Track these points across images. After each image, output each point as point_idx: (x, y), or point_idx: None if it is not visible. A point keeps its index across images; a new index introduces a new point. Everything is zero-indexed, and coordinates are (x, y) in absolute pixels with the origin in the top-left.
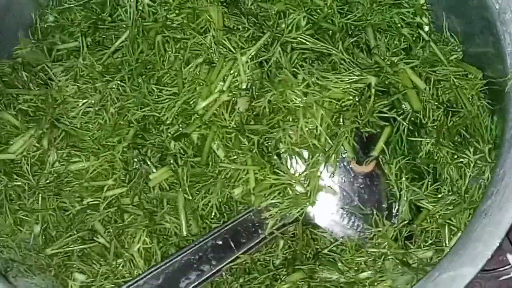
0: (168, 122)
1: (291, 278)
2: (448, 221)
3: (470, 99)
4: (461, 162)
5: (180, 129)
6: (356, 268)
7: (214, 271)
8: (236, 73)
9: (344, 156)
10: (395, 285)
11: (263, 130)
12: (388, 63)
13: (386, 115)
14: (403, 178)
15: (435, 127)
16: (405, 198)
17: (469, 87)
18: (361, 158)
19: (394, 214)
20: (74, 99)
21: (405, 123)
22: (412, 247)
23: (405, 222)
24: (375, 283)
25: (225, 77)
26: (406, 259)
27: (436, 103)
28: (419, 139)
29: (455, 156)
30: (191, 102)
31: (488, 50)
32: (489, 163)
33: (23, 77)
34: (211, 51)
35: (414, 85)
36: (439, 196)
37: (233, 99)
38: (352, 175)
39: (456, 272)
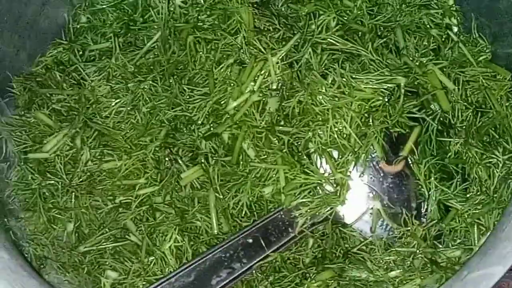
0: (199, 122)
1: (321, 277)
2: (477, 220)
3: (498, 100)
4: (490, 162)
5: (211, 129)
6: (385, 267)
7: (244, 269)
8: (266, 74)
9: (373, 156)
10: (424, 284)
11: (293, 130)
12: (417, 64)
13: (415, 115)
14: (432, 178)
15: (464, 127)
16: (434, 198)
17: (497, 87)
18: (390, 158)
19: (423, 213)
20: (107, 99)
21: (434, 124)
22: (440, 246)
23: (434, 222)
24: (404, 282)
25: (256, 78)
26: (435, 258)
27: (465, 104)
28: (448, 139)
29: (484, 156)
30: (222, 102)
31: None
32: None
33: (57, 77)
34: (242, 51)
35: (443, 85)
36: (468, 195)
37: (264, 99)
38: (382, 174)
39: (484, 271)
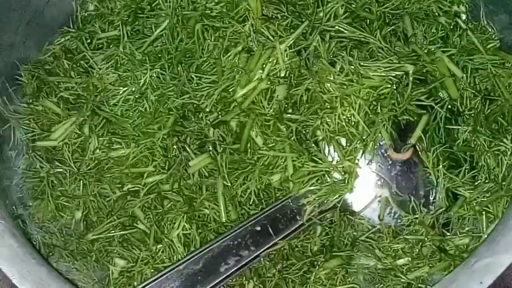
0: (207, 110)
1: (329, 265)
2: (485, 208)
3: (507, 87)
4: (499, 149)
5: (219, 116)
6: (393, 255)
7: (252, 256)
8: (274, 62)
9: (381, 143)
10: (432, 271)
11: (301, 118)
12: (426, 51)
13: (423, 103)
14: (440, 166)
15: (472, 115)
16: (442, 186)
17: (506, 75)
18: (398, 146)
19: (431, 201)
20: (115, 87)
21: (442, 111)
22: (449, 234)
23: (442, 209)
24: (412, 270)
25: (264, 65)
26: (443, 246)
27: (473, 91)
28: (456, 127)
29: (492, 144)
30: (230, 90)
31: None
32: None
33: (65, 65)
34: (250, 39)
35: (451, 73)
36: (476, 183)
37: (272, 87)
38: (390, 162)
39: (493, 259)
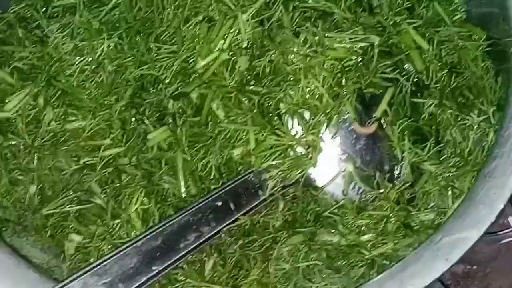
0: (166, 81)
1: (292, 241)
2: (451, 183)
3: (474, 60)
4: (465, 124)
5: (179, 88)
6: (357, 231)
7: (213, 232)
8: (236, 32)
9: (346, 117)
10: (397, 247)
11: (264, 90)
12: (391, 23)
13: (389, 75)
14: (406, 140)
15: (438, 88)
16: (407, 160)
17: (473, 48)
18: (363, 120)
19: (396, 176)
20: (71, 56)
21: (408, 84)
22: (414, 210)
23: (407, 184)
24: (377, 246)
25: (226, 36)
26: (408, 222)
27: (440, 64)
28: (422, 100)
29: (459, 118)
30: (191, 61)
31: (493, 10)
32: (493, 125)
33: (19, 34)
34: (211, 8)
35: (417, 45)
36: (442, 158)
37: (234, 58)
38: (354, 136)
39: (459, 235)
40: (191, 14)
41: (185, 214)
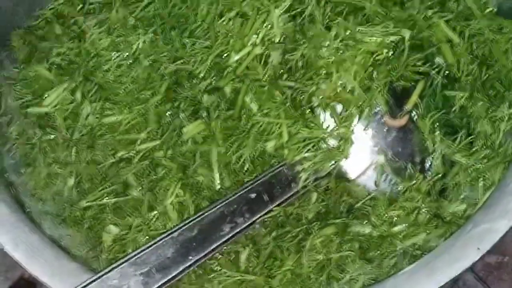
0: (201, 76)
1: (324, 232)
2: (481, 175)
3: (504, 53)
4: (495, 116)
5: (213, 83)
6: (389, 222)
7: (247, 223)
8: (269, 26)
9: (377, 110)
10: (428, 238)
11: (297, 85)
12: (422, 16)
13: (419, 69)
14: (437, 132)
15: (469, 81)
16: (438, 152)
17: (503, 41)
18: (394, 112)
19: (427, 168)
20: (107, 52)
21: (439, 77)
22: (445, 201)
23: (438, 176)
24: (409, 237)
25: (259, 30)
26: (439, 213)
27: (470, 57)
28: (453, 93)
29: (489, 110)
30: (224, 56)
31: None
32: None
33: (56, 31)
34: (244, 4)
35: (448, 39)
36: (473, 150)
37: (266, 52)
38: (386, 129)
39: (489, 225)
40: (224, 10)
41: (220, 205)
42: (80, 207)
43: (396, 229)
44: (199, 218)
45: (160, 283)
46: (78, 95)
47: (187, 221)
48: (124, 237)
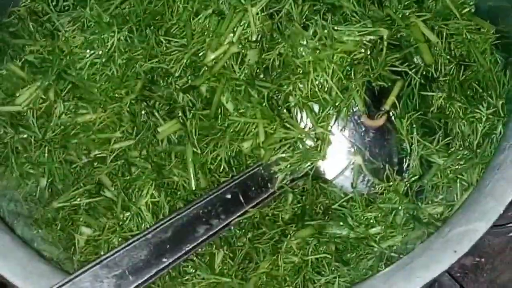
0: (176, 74)
1: (301, 234)
2: (459, 176)
3: (482, 54)
4: (473, 117)
5: (189, 81)
6: (366, 224)
7: (223, 225)
8: (246, 25)
9: (355, 110)
10: (406, 240)
11: (273, 85)
12: (400, 16)
13: (398, 69)
14: (414, 133)
15: (447, 81)
16: (416, 153)
17: (481, 41)
18: (372, 112)
19: (404, 169)
20: (81, 50)
21: (416, 77)
22: (422, 202)
23: (416, 177)
24: (386, 239)
25: (235, 29)
26: (416, 214)
27: (448, 57)
28: (431, 93)
29: (467, 111)
30: (200, 54)
31: (501, 4)
32: (502, 117)
33: (30, 28)
34: (220, 2)
35: (426, 38)
36: (450, 151)
37: (243, 51)
38: (363, 129)
39: (467, 227)
40: (201, 8)
41: (195, 206)
42: (53, 208)
43: (373, 230)
44: (173, 220)
45: (133, 286)
46: (51, 93)
47: (161, 222)
48: (97, 238)
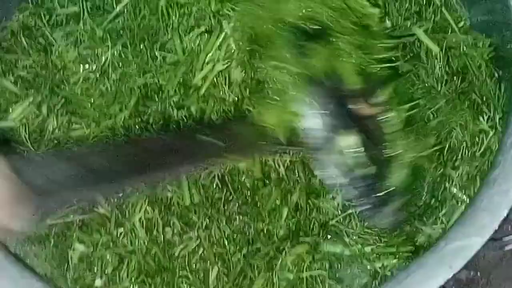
0: (170, 92)
1: (296, 251)
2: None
3: (479, 67)
4: (469, 130)
5: (181, 100)
6: (361, 242)
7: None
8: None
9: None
10: (401, 261)
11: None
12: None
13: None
14: (410, 139)
15: (444, 93)
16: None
17: (477, 54)
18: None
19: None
20: (75, 65)
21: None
22: (419, 223)
23: (409, 197)
24: (381, 258)
25: (220, 46)
26: (413, 236)
27: (447, 69)
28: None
29: (464, 125)
30: (190, 74)
31: (495, 18)
32: (498, 131)
33: (22, 43)
34: (211, 20)
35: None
36: (445, 163)
37: (229, 69)
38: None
39: (463, 242)
40: (194, 25)
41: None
42: (46, 225)
43: (368, 249)
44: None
45: None
46: (44, 109)
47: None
48: (91, 254)
